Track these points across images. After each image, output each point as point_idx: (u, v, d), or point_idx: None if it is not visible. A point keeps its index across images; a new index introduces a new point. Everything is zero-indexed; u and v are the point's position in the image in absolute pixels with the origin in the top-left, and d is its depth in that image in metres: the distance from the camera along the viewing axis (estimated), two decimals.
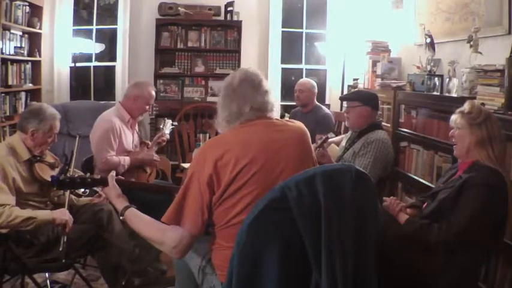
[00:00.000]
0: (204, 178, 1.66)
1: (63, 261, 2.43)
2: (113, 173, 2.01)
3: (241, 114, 1.80)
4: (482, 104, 2.45)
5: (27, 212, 2.39)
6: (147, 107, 3.34)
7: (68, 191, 2.59)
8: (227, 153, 1.67)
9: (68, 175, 2.12)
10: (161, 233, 1.74)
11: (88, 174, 2.05)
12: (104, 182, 2.01)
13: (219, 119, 1.87)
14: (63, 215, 2.47)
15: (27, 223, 2.35)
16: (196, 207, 1.68)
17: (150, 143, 3.52)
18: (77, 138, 2.78)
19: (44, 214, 2.46)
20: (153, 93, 3.36)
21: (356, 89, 4.59)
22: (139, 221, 1.83)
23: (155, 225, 1.77)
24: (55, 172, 2.70)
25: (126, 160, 3.18)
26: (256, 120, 1.80)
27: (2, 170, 2.41)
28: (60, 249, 2.38)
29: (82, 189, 2.82)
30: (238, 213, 1.67)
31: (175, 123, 4.18)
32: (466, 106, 2.16)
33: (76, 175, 2.13)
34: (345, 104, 3.64)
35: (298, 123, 1.92)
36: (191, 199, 1.69)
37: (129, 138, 3.31)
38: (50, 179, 2.63)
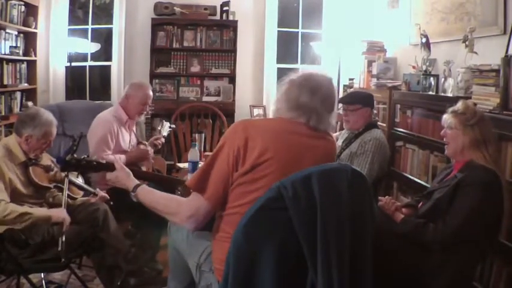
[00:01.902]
0: (233, 149, 1.68)
1: (62, 260, 2.40)
2: (117, 158, 2.00)
3: (286, 110, 1.82)
4: (475, 104, 2.46)
5: (23, 208, 2.38)
6: (145, 107, 3.35)
7: (64, 192, 2.57)
8: (257, 138, 1.69)
9: (75, 156, 2.10)
10: (177, 203, 1.79)
11: (94, 157, 2.03)
12: (109, 167, 2.01)
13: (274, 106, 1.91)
14: (60, 213, 2.46)
15: (22, 219, 2.34)
16: (221, 176, 1.70)
17: (147, 143, 3.52)
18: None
19: (40, 211, 2.46)
20: (151, 93, 3.37)
21: (352, 90, 4.58)
22: (153, 194, 1.87)
23: (170, 197, 1.85)
24: (50, 175, 2.69)
25: (121, 158, 3.17)
26: (297, 122, 1.80)
27: None
28: (59, 249, 2.34)
29: (78, 196, 2.81)
30: (247, 202, 1.66)
31: (173, 125, 4.15)
32: (460, 106, 2.15)
33: (82, 156, 2.11)
34: (340, 105, 3.58)
35: (333, 139, 1.92)
36: (218, 167, 1.71)
37: (126, 139, 3.32)
38: (43, 184, 2.63)
